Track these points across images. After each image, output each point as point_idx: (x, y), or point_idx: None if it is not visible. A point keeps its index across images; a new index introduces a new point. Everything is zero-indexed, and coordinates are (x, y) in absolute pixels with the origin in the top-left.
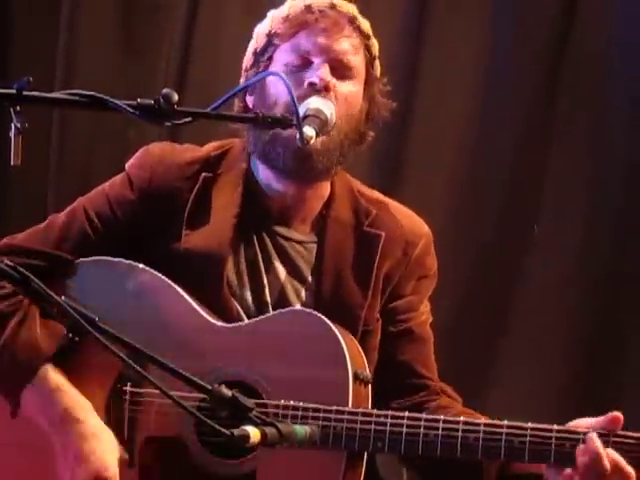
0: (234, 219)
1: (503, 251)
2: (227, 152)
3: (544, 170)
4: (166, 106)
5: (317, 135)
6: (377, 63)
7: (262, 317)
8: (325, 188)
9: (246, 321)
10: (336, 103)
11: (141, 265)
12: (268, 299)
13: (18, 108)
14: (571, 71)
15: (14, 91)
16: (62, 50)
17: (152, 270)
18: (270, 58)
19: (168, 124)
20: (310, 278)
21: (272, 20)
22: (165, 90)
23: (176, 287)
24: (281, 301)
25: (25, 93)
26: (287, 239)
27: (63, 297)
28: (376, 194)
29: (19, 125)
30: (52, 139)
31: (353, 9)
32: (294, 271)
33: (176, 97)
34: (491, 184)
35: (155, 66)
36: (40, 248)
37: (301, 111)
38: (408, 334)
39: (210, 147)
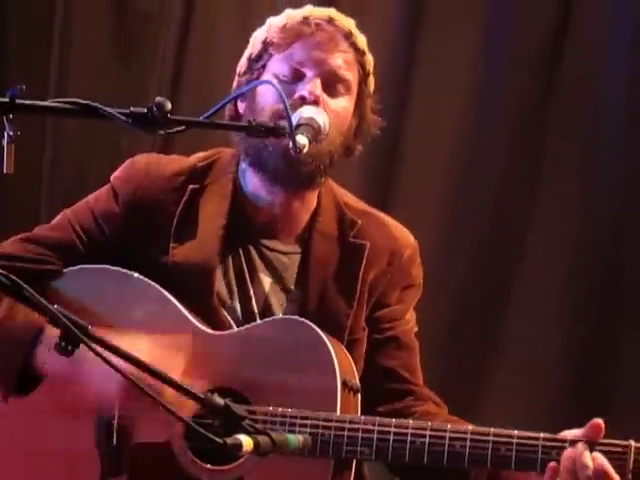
0: (221, 230)
1: (496, 261)
2: (214, 163)
3: (537, 180)
4: (159, 115)
5: (310, 143)
6: (371, 79)
7: (252, 324)
8: (311, 201)
9: (236, 328)
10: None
11: (135, 274)
12: (255, 309)
13: (11, 116)
14: (564, 82)
15: (7, 99)
16: (55, 58)
17: (145, 278)
18: (264, 66)
19: (161, 133)
20: (294, 289)
21: (269, 28)
22: (158, 98)
23: (168, 295)
24: (266, 311)
25: (18, 101)
26: (272, 250)
27: (55, 305)
28: (362, 205)
29: (12, 133)
30: (45, 148)
31: (350, 24)
32: (278, 282)
33: (169, 106)
34: (483, 195)
35: (149, 73)
36: (27, 255)
37: (294, 120)
38: (394, 341)
39: (196, 158)
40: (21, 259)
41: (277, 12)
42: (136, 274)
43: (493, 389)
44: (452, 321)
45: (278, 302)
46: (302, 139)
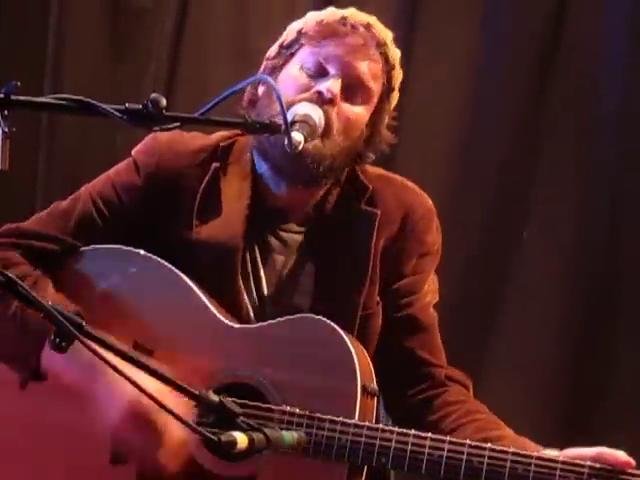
0: (245, 211)
1: (491, 258)
2: (234, 143)
3: (532, 176)
4: (154, 111)
5: (305, 140)
6: (395, 95)
7: (275, 320)
8: (320, 190)
9: (257, 323)
10: (337, 120)
11: (155, 257)
12: (265, 291)
13: (6, 112)
14: (560, 76)
15: (2, 95)
16: (51, 54)
17: (165, 262)
18: (292, 54)
19: (156, 129)
20: (308, 266)
21: (307, 20)
22: (153, 95)
23: (187, 280)
24: (279, 292)
25: (13, 97)
26: (286, 231)
27: (50, 302)
28: (378, 170)
29: (6, 129)
30: (40, 144)
31: (387, 35)
32: (290, 260)
33: (164, 102)
34: (479, 192)
35: (143, 69)
36: (45, 231)
37: (289, 116)
38: (411, 321)
39: (219, 136)
40: (35, 236)
41: (272, 9)
42: (154, 257)
43: (489, 384)
44: (445, 317)
45: (291, 281)
46: (298, 136)
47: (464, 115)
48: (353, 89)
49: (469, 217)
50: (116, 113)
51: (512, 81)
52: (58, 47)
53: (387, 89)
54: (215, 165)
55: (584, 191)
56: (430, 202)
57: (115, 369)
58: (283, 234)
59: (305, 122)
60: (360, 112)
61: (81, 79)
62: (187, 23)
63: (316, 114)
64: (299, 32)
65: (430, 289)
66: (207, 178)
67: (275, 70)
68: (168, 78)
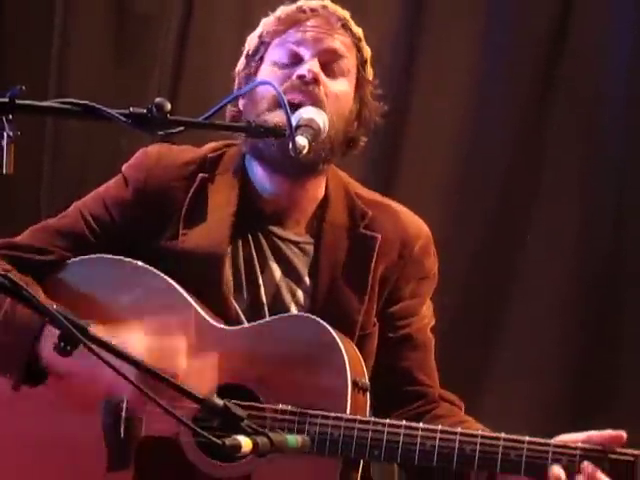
0: (231, 218)
1: (496, 260)
2: (224, 154)
3: (536, 181)
4: (158, 115)
5: (310, 144)
6: (368, 67)
7: (264, 320)
8: (317, 189)
9: (247, 324)
10: (326, 100)
11: (143, 264)
12: (264, 299)
13: (10, 116)
14: (564, 82)
15: (7, 100)
16: (55, 59)
17: (154, 269)
18: (261, 58)
19: (160, 133)
20: (307, 280)
21: (264, 24)
22: (158, 99)
23: (177, 286)
24: (276, 302)
25: (18, 102)
26: (282, 239)
27: (55, 305)
28: (374, 195)
29: (11, 133)
30: (45, 148)
31: (345, 13)
32: (289, 272)
33: (169, 106)
34: (484, 192)
35: (148, 74)
36: (36, 244)
37: (294, 121)
38: (408, 340)
39: (207, 148)
40: (25, 248)
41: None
42: (141, 263)
43: (492, 385)
44: (451, 318)
45: (289, 293)
46: (302, 140)
47: (468, 120)
48: (331, 65)
49: (474, 220)
50: (121, 117)
51: (515, 87)
52: (63, 47)
53: (361, 60)
54: (202, 176)
55: (588, 196)
56: (426, 228)
57: (118, 372)
58: (280, 243)
59: (309, 126)
60: (344, 87)
61: (86, 79)
62: (191, 28)
63: (320, 118)
64: (260, 37)
65: (427, 314)
66: (193, 188)
67: (249, 79)
68: (172, 82)
